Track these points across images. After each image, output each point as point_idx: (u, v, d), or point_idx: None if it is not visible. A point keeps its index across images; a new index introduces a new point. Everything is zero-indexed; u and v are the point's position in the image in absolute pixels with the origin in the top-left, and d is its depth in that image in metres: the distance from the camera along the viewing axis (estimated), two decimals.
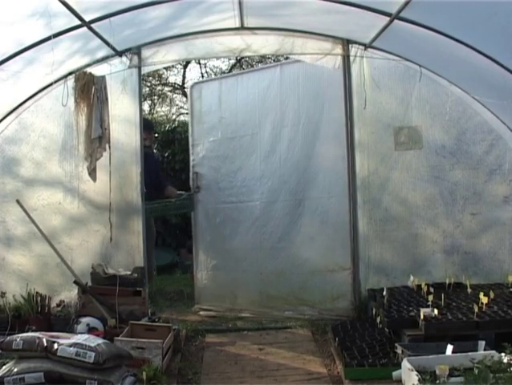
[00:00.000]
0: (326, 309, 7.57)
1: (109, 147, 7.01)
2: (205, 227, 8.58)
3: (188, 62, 17.64)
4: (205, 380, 5.66)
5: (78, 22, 5.92)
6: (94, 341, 4.84)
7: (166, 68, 17.41)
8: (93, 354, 4.65)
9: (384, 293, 6.74)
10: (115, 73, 7.22)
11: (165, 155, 12.05)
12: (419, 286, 6.99)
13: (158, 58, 7.42)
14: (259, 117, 8.18)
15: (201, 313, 8.16)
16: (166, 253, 11.49)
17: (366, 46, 7.28)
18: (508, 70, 5.90)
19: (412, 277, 7.21)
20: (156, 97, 19.87)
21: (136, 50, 7.27)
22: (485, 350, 5.05)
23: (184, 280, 10.24)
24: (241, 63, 18.30)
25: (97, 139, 6.88)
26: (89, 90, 6.85)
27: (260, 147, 8.13)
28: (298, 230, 7.85)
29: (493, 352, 4.74)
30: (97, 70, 7.08)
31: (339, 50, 7.37)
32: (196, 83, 9.35)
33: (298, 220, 7.85)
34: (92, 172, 6.95)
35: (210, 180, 8.55)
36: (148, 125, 8.65)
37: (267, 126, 8.10)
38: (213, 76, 18.87)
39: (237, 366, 6.03)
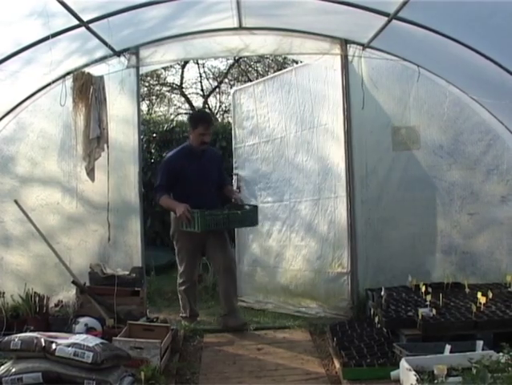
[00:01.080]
0: (330, 308, 7.63)
1: (107, 147, 7.02)
2: None
3: (186, 62, 17.64)
4: (204, 380, 5.65)
5: (76, 22, 5.90)
6: (92, 341, 4.85)
7: (164, 68, 17.41)
8: (91, 354, 4.65)
9: (382, 293, 6.74)
10: (113, 73, 7.21)
11: (163, 155, 12.03)
12: (417, 286, 6.99)
13: (156, 58, 7.41)
14: (285, 121, 8.38)
15: None
16: (164, 252, 11.47)
17: (364, 46, 7.28)
18: (506, 70, 5.91)
19: (410, 277, 7.22)
20: (154, 97, 19.87)
21: (134, 50, 7.26)
22: (483, 349, 5.06)
23: None
24: (240, 63, 18.32)
25: (95, 139, 6.87)
26: (87, 90, 6.84)
27: (287, 150, 8.34)
28: (315, 229, 7.96)
29: (492, 352, 4.74)
30: (95, 70, 7.06)
31: (337, 50, 7.37)
32: (236, 90, 9.57)
33: (315, 219, 7.97)
34: (91, 172, 6.95)
35: (250, 181, 8.86)
36: (206, 118, 7.43)
37: (292, 129, 8.30)
38: (211, 76, 18.97)
39: (235, 366, 6.03)
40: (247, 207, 7.42)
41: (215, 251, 7.35)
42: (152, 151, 12.18)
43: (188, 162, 7.19)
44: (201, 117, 7.50)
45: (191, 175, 7.15)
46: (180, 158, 7.25)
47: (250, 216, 7.25)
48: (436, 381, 4.21)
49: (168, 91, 19.89)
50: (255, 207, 7.44)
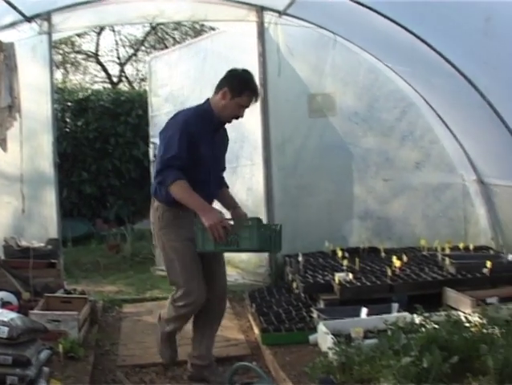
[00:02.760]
0: (249, 275, 7.69)
1: (20, 116, 6.83)
2: None
3: (102, 29, 17.32)
4: (123, 350, 5.62)
5: None
6: (7, 315, 4.73)
7: (79, 35, 17.01)
8: (6, 328, 4.54)
9: (300, 258, 6.82)
10: (24, 40, 7.01)
11: (79, 124, 11.83)
12: (334, 251, 7.13)
13: (69, 25, 7.25)
14: (200, 89, 8.13)
15: (157, 273, 8.35)
16: (81, 223, 11.34)
17: (280, 14, 7.27)
18: (418, 37, 5.99)
19: (327, 243, 7.33)
20: (69, 65, 19.44)
21: (45, 16, 7.05)
22: (398, 312, 5.19)
23: (100, 250, 10.16)
24: (156, 31, 18.09)
25: (7, 109, 6.67)
26: None
27: None
28: (235, 197, 7.87)
29: (406, 314, 4.88)
30: (5, 37, 6.84)
31: (253, 17, 7.35)
32: (152, 58, 9.57)
33: (234, 186, 7.79)
34: (2, 142, 6.75)
35: None
36: (255, 87, 4.87)
37: (207, 97, 8.11)
38: (127, 43, 18.69)
39: (154, 335, 5.99)
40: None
41: (213, 275, 4.83)
42: (67, 120, 11.96)
43: (205, 134, 4.74)
44: (249, 83, 4.83)
45: (204, 154, 4.69)
46: (199, 123, 4.73)
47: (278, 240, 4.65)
48: (352, 343, 4.30)
49: (84, 59, 19.48)
50: (280, 226, 4.70)
